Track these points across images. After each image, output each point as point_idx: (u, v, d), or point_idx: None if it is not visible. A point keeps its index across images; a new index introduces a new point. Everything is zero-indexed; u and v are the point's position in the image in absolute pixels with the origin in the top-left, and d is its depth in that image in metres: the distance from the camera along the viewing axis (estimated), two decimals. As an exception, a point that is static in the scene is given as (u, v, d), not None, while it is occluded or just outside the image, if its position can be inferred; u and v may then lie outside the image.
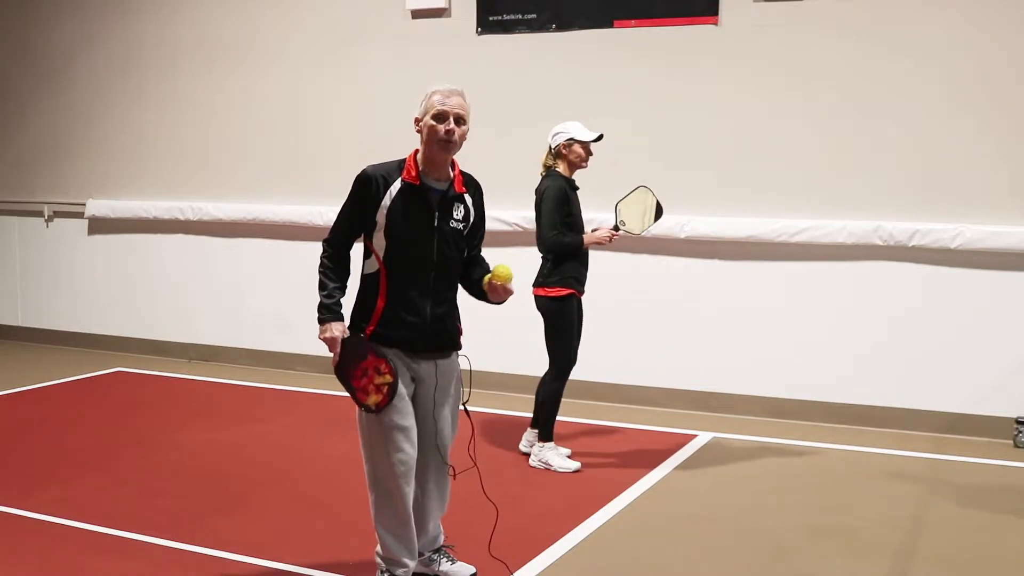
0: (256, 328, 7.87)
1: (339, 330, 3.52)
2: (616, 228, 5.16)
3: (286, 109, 7.62)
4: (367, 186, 3.51)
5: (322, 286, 3.58)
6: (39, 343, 8.76)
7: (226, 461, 5.41)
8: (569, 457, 5.26)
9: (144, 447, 5.68)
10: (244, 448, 5.67)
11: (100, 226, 8.46)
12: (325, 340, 3.53)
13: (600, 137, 5.16)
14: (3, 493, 4.82)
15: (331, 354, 3.54)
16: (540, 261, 5.22)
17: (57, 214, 8.63)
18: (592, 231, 5.23)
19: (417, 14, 7.07)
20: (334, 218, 8.04)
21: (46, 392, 7.10)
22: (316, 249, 8.15)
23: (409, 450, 3.56)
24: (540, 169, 5.25)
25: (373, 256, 3.56)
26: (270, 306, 7.80)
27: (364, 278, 3.60)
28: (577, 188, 5.22)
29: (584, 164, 5.19)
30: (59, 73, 8.50)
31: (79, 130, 8.47)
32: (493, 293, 3.62)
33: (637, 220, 5.20)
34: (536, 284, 5.17)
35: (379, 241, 3.53)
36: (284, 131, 7.64)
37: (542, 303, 5.15)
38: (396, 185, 3.50)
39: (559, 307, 5.11)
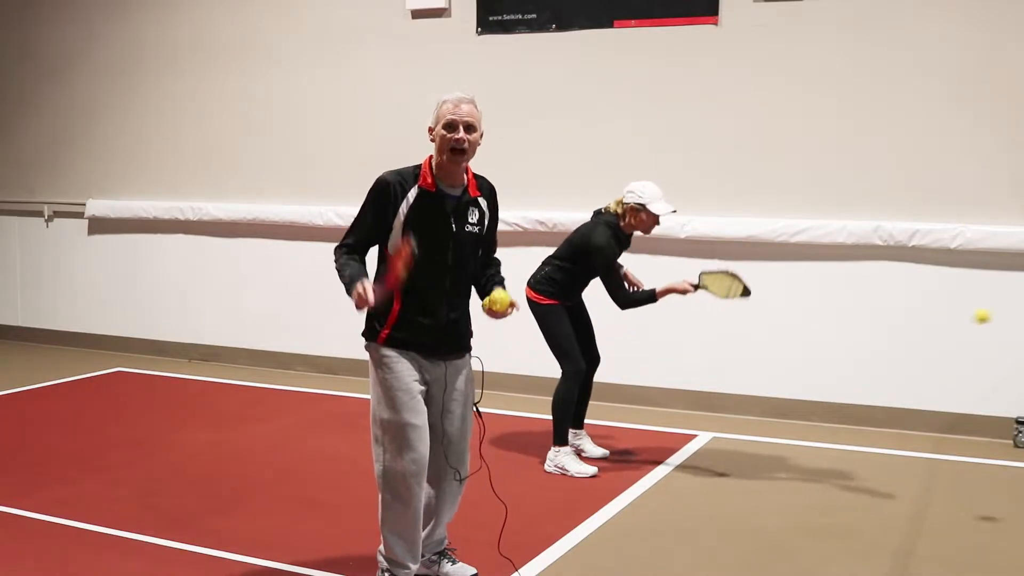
0: (256, 328, 7.87)
1: (363, 283, 3.41)
2: (696, 286, 5.02)
3: (286, 109, 7.62)
4: (385, 192, 3.52)
5: (341, 272, 3.53)
6: (39, 343, 8.76)
7: (226, 461, 5.41)
8: (586, 460, 5.27)
9: (144, 447, 5.68)
10: (244, 448, 5.67)
11: (100, 226, 8.46)
12: (357, 300, 3.39)
13: (674, 212, 5.06)
14: (3, 493, 4.82)
15: (368, 302, 3.40)
16: (539, 264, 5.22)
17: (57, 214, 8.63)
18: (673, 284, 5.02)
19: (417, 14, 7.06)
20: (334, 218, 8.06)
21: (46, 392, 7.10)
22: (316, 249, 8.17)
23: (422, 449, 3.56)
24: (611, 204, 5.13)
25: (389, 260, 3.57)
26: (270, 306, 7.80)
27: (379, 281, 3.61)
28: (627, 245, 5.16)
29: (647, 232, 5.12)
30: (59, 73, 8.50)
31: (79, 130, 8.47)
32: (491, 316, 3.65)
33: (722, 289, 5.04)
34: (528, 283, 5.19)
35: (395, 244, 3.54)
36: (284, 131, 7.64)
37: (530, 304, 5.17)
38: (413, 192, 3.53)
39: (543, 312, 5.14)
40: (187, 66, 7.95)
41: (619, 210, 5.09)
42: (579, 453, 5.40)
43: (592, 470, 5.10)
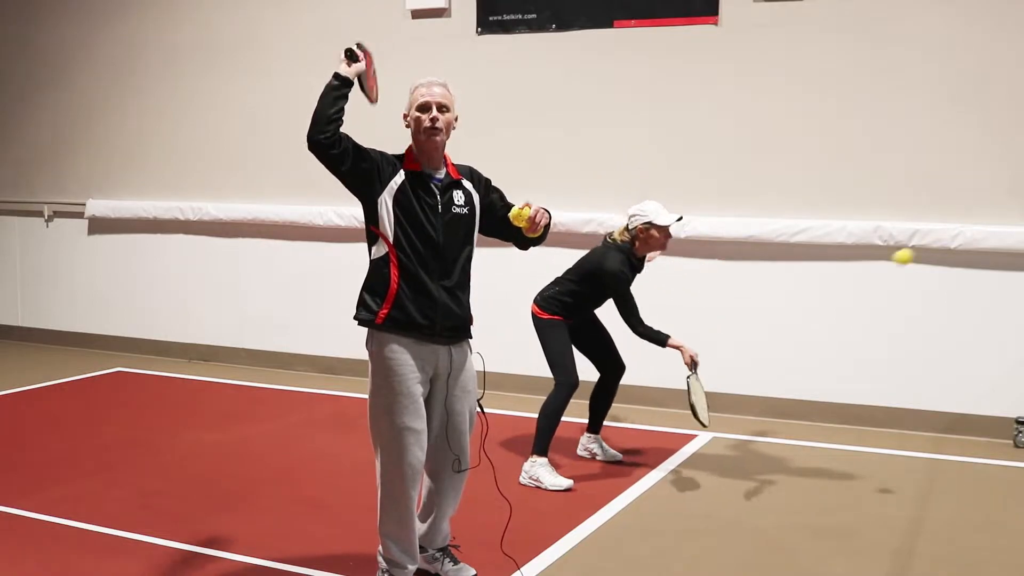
0: (256, 328, 7.87)
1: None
2: (690, 374, 5.02)
3: (286, 109, 7.61)
4: (381, 155, 3.60)
5: (317, 102, 3.51)
6: (39, 343, 8.76)
7: (226, 461, 5.41)
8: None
9: (144, 447, 5.68)
10: (244, 448, 5.67)
11: (100, 226, 8.46)
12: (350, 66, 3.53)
13: (680, 219, 5.05)
14: (3, 493, 4.82)
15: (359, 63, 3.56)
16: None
17: (57, 214, 8.63)
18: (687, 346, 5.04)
19: (417, 14, 7.07)
20: (333, 218, 8.05)
21: (46, 392, 7.10)
22: (316, 249, 8.17)
23: (419, 454, 3.58)
24: (616, 234, 5.09)
25: (381, 240, 3.59)
26: (270, 306, 7.80)
27: (373, 263, 3.62)
28: (640, 270, 5.12)
29: (663, 248, 5.09)
30: (59, 73, 8.50)
31: (79, 130, 8.47)
32: (531, 231, 3.61)
33: (697, 401, 5.00)
34: (535, 300, 5.18)
35: (385, 226, 3.57)
36: (284, 131, 7.63)
37: (533, 318, 5.16)
38: (400, 173, 3.59)
39: (544, 324, 5.10)
40: (187, 66, 7.96)
41: (626, 237, 5.05)
42: (593, 457, 5.41)
43: (567, 483, 4.94)
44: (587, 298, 5.15)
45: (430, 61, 7.01)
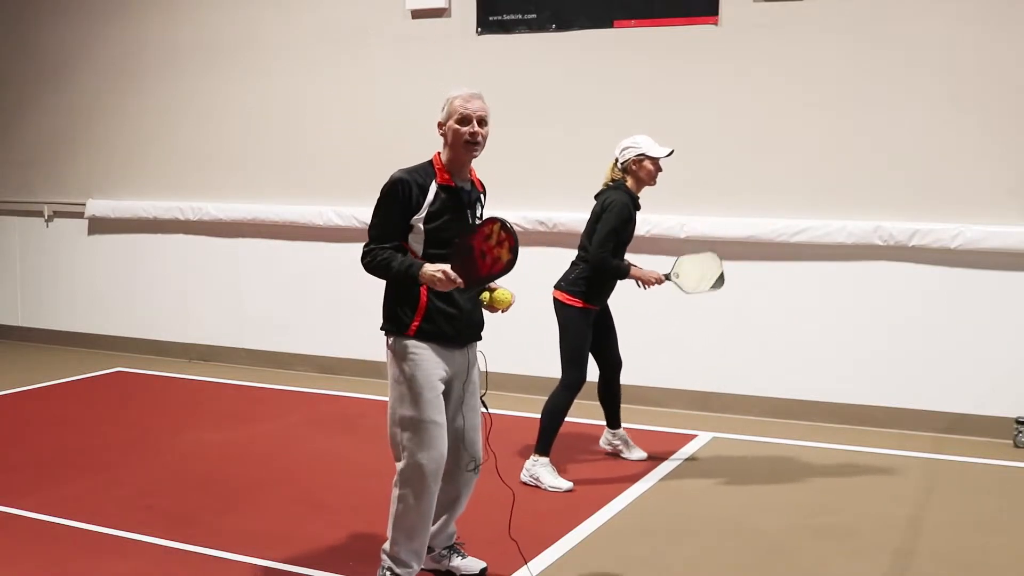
0: (256, 328, 7.87)
1: (436, 267, 3.44)
2: (667, 277, 5.06)
3: (286, 109, 7.62)
4: (406, 190, 3.54)
5: (386, 266, 3.50)
6: (39, 343, 8.76)
7: (226, 461, 5.41)
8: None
9: (144, 447, 5.68)
10: (244, 448, 5.67)
11: (100, 226, 8.46)
12: (442, 280, 3.40)
13: (671, 153, 5.03)
14: (3, 493, 4.82)
15: (451, 282, 3.42)
16: (568, 265, 5.12)
17: (57, 214, 8.64)
18: (645, 270, 5.08)
19: (417, 14, 7.06)
20: (333, 218, 8.04)
21: (46, 392, 7.10)
22: (316, 249, 8.15)
23: (442, 448, 3.60)
24: (605, 180, 5.11)
25: (410, 254, 3.60)
26: (270, 306, 7.80)
27: None
28: (639, 207, 5.08)
29: (653, 182, 5.07)
30: (59, 73, 8.50)
31: (79, 130, 8.48)
32: (490, 310, 3.72)
33: (694, 280, 5.09)
34: (557, 286, 5.10)
35: (416, 239, 3.58)
36: (284, 131, 7.65)
37: (557, 306, 5.07)
38: (432, 188, 3.58)
39: (571, 316, 5.02)
40: (187, 66, 7.96)
41: (618, 176, 5.05)
42: (618, 454, 5.42)
43: (567, 485, 4.95)
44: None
45: (430, 61, 7.02)
